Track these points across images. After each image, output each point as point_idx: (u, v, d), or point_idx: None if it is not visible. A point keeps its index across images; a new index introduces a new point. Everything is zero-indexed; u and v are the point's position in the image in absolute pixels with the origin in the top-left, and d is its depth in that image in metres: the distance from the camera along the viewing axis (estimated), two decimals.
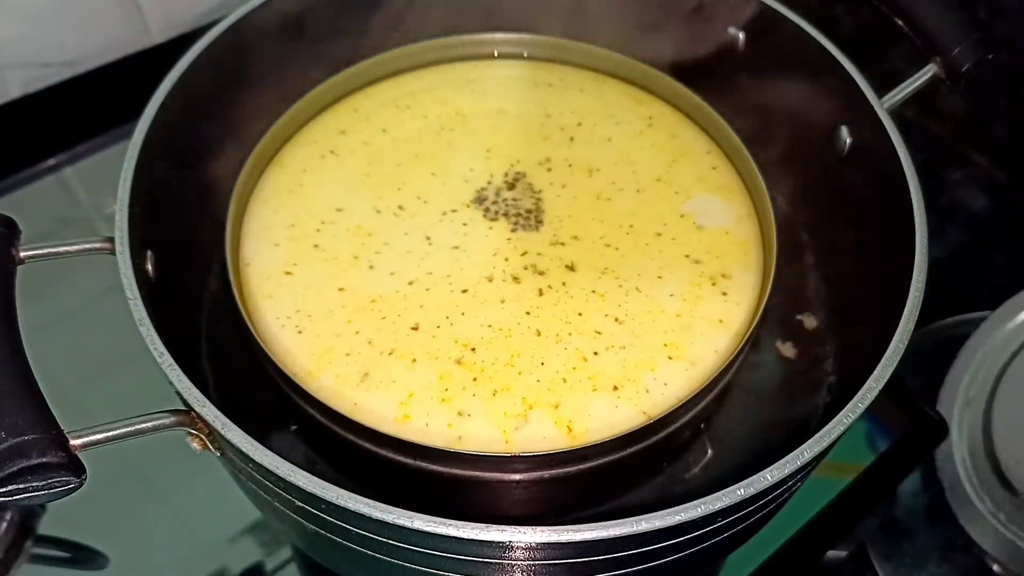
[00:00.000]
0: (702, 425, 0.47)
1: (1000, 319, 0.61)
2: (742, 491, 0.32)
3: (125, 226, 0.39)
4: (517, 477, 0.39)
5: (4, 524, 0.50)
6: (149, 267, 0.41)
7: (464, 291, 0.45)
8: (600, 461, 0.39)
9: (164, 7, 0.71)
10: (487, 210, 0.49)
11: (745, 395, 0.50)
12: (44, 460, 0.30)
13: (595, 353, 0.42)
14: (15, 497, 0.29)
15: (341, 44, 0.55)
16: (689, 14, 0.55)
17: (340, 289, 0.45)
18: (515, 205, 0.49)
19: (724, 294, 0.45)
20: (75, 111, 0.71)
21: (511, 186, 0.50)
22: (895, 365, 0.37)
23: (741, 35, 0.55)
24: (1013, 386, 0.58)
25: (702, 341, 0.43)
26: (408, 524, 0.30)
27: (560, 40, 0.57)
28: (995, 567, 0.55)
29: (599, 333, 0.43)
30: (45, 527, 0.52)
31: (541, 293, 0.45)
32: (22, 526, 0.51)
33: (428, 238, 0.47)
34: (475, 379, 0.41)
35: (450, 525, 0.30)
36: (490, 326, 0.43)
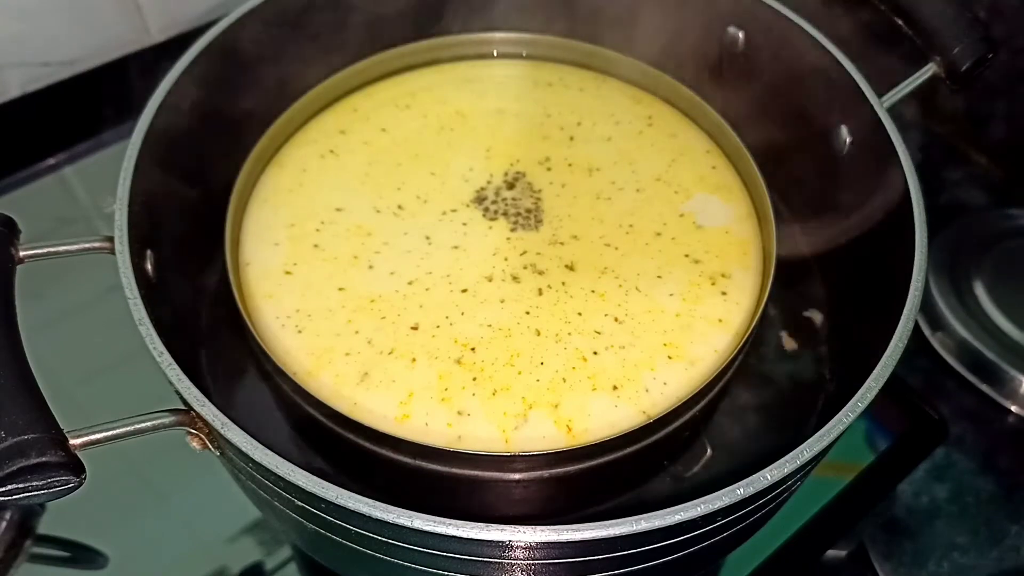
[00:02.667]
0: (702, 424, 0.47)
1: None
2: (742, 490, 0.32)
3: (125, 226, 0.39)
4: (517, 477, 0.39)
5: (4, 524, 0.50)
6: (149, 267, 0.41)
7: (464, 291, 0.45)
8: (600, 460, 0.39)
9: (164, 7, 0.71)
10: (487, 210, 0.49)
11: (745, 394, 0.50)
12: (44, 459, 0.30)
13: (595, 353, 0.42)
14: (15, 496, 0.29)
15: (341, 43, 0.55)
16: (689, 13, 0.56)
17: (340, 289, 0.45)
18: (515, 205, 0.49)
19: (724, 294, 0.45)
20: (75, 111, 0.71)
21: (511, 185, 0.50)
22: (895, 365, 0.37)
23: (741, 35, 0.55)
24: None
25: (702, 341, 0.43)
26: (408, 524, 0.30)
27: (560, 40, 0.57)
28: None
29: (599, 333, 0.43)
30: (45, 527, 0.52)
31: (541, 293, 0.45)
32: (22, 526, 0.51)
33: (428, 238, 0.47)
34: (475, 379, 0.41)
35: (450, 525, 0.30)
36: (490, 326, 0.43)
